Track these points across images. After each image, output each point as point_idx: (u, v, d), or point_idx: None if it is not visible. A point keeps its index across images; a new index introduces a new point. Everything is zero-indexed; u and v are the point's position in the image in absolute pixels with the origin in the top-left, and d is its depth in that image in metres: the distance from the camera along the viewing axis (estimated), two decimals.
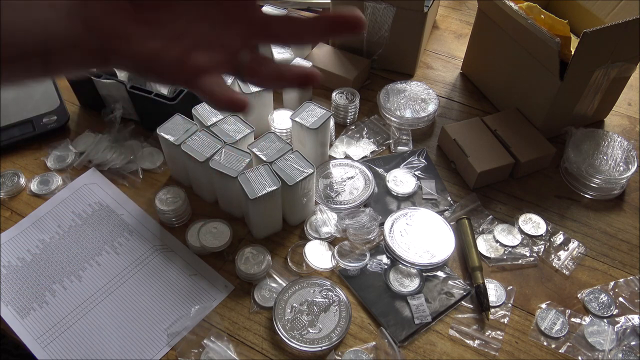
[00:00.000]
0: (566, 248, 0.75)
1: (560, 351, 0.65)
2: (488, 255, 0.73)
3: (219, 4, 0.35)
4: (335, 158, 0.85)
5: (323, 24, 0.35)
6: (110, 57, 0.34)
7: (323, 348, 0.64)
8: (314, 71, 0.36)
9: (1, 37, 0.31)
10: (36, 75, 0.35)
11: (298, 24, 0.36)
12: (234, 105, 0.34)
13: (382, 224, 0.76)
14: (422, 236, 0.74)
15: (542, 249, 0.74)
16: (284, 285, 0.70)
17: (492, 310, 0.68)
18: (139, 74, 0.36)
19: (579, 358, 0.64)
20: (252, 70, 0.37)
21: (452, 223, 0.76)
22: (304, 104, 0.79)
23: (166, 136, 0.75)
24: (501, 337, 0.66)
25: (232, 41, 0.36)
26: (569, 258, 0.74)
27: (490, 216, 0.78)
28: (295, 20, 0.36)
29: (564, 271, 0.72)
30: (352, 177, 0.81)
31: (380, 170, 0.83)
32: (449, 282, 0.70)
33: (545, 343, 0.66)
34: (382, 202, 0.80)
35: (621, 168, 0.80)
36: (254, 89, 0.81)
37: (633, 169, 0.80)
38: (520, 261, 0.73)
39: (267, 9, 0.96)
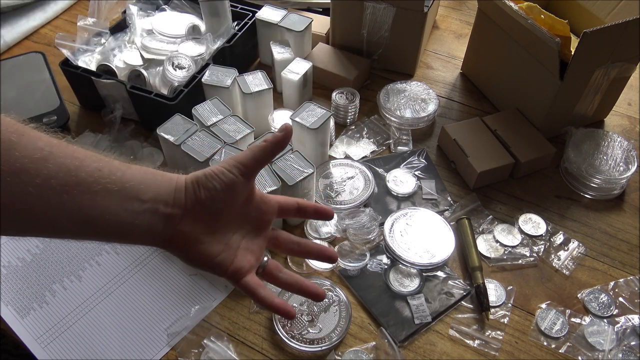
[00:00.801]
0: (566, 248, 0.75)
1: (560, 351, 0.65)
2: (488, 255, 0.73)
3: (250, 224, 0.51)
4: (335, 158, 0.85)
5: (311, 251, 0.55)
6: (175, 251, 0.48)
7: (323, 348, 0.64)
8: (332, 253, 0.56)
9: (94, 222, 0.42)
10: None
11: (298, 243, 0.55)
12: (284, 314, 0.50)
13: (382, 224, 0.76)
14: (422, 236, 0.74)
15: (542, 249, 0.74)
16: None
17: (492, 310, 0.68)
18: (196, 267, 0.49)
19: (579, 358, 0.64)
20: (269, 273, 0.53)
21: (452, 223, 0.76)
22: (304, 104, 0.79)
23: (166, 136, 0.75)
24: (501, 337, 0.66)
25: (258, 248, 0.52)
26: (569, 258, 0.74)
27: (490, 216, 0.78)
28: (293, 239, 0.55)
29: (564, 271, 0.72)
30: (352, 177, 0.82)
31: (380, 170, 0.83)
32: (449, 282, 0.70)
33: (545, 343, 0.66)
34: (382, 202, 0.80)
35: (621, 168, 0.80)
36: (254, 89, 0.81)
37: (633, 169, 0.80)
38: (520, 261, 0.73)
39: (265, 9, 0.96)
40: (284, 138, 0.50)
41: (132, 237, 0.45)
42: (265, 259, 0.53)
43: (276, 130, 0.83)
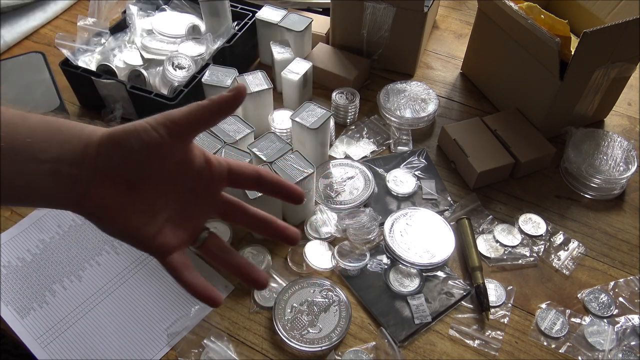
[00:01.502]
0: (566, 248, 0.75)
1: (560, 351, 0.65)
2: (488, 255, 0.73)
3: (187, 193, 0.42)
4: (335, 158, 0.85)
5: (267, 227, 0.45)
6: (87, 218, 0.40)
7: (323, 348, 0.64)
8: (293, 233, 0.44)
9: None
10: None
11: (250, 215, 0.45)
12: (208, 300, 0.41)
13: (382, 224, 0.76)
14: (422, 236, 0.74)
15: (542, 249, 0.74)
16: (284, 285, 0.70)
17: (492, 310, 0.68)
18: (115, 237, 0.41)
19: (579, 358, 0.64)
20: (208, 250, 0.45)
21: (452, 223, 0.76)
22: (304, 104, 0.79)
23: None
24: (501, 337, 0.66)
25: (196, 222, 0.43)
26: (569, 258, 0.74)
27: (490, 216, 0.78)
28: (247, 211, 0.45)
29: (564, 271, 0.72)
30: (352, 177, 0.81)
31: (380, 170, 0.83)
32: (449, 282, 0.70)
33: (545, 343, 0.66)
34: (382, 202, 0.80)
35: (621, 168, 0.80)
36: (254, 89, 0.81)
37: (633, 169, 0.80)
38: (520, 261, 0.73)
39: (265, 9, 0.96)
40: (233, 99, 0.40)
41: (32, 201, 0.39)
42: (206, 234, 0.44)
43: (276, 129, 0.84)
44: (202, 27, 0.98)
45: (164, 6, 1.01)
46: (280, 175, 0.44)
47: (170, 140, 0.39)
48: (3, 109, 0.37)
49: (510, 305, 0.69)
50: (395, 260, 0.73)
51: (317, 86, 0.96)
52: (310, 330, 0.65)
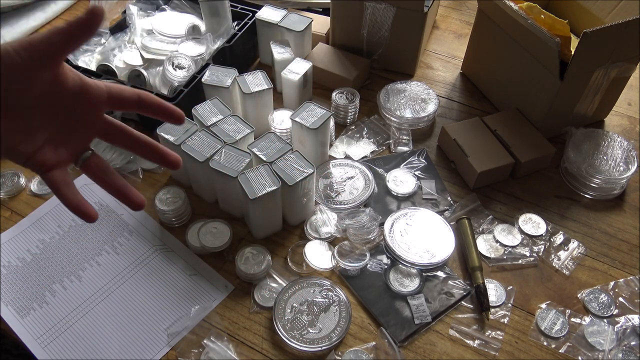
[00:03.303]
0: (566, 248, 0.75)
1: (560, 351, 0.65)
2: (488, 255, 0.73)
3: (67, 115, 0.44)
4: (335, 158, 0.85)
5: (148, 150, 0.48)
6: None
7: (323, 348, 0.64)
8: (174, 158, 0.48)
9: None
10: None
11: (133, 138, 0.48)
12: (82, 214, 0.44)
13: (382, 224, 0.76)
14: (422, 236, 0.74)
15: (542, 249, 0.74)
16: (284, 285, 0.70)
17: (492, 310, 0.68)
18: None
19: (579, 358, 0.64)
20: (90, 169, 0.47)
21: (452, 223, 0.76)
22: (304, 104, 0.79)
23: (166, 136, 0.75)
24: (501, 337, 0.66)
25: (77, 142, 0.46)
26: (569, 258, 0.74)
27: (490, 216, 0.78)
28: (130, 134, 0.48)
29: (564, 271, 0.72)
30: (352, 177, 0.81)
31: (380, 170, 0.83)
32: (449, 282, 0.70)
33: (545, 343, 0.66)
34: (382, 202, 0.80)
35: (621, 168, 0.80)
36: (254, 89, 0.81)
37: (633, 169, 0.80)
38: (520, 261, 0.73)
39: (265, 9, 0.96)
40: (88, 20, 0.41)
41: None
42: (88, 154, 0.47)
43: (276, 129, 0.84)
44: (202, 27, 0.98)
45: (164, 6, 1.01)
46: (162, 101, 0.48)
47: (33, 63, 0.40)
48: None
49: (510, 305, 0.69)
50: (395, 260, 0.73)
51: (317, 86, 0.96)
52: (310, 330, 0.65)
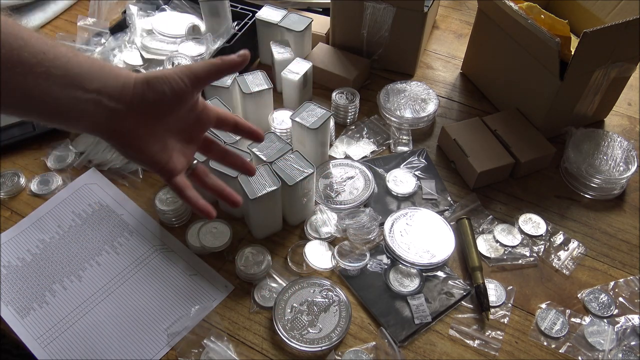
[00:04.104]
0: (566, 248, 0.75)
1: (560, 351, 0.65)
2: (488, 255, 0.73)
3: (188, 130, 0.53)
4: (335, 158, 0.85)
5: (235, 160, 0.58)
6: (115, 145, 0.50)
7: (323, 348, 0.64)
8: (250, 167, 0.59)
9: (32, 104, 0.44)
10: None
11: (222, 149, 0.58)
12: (205, 213, 0.52)
13: (382, 224, 0.76)
14: (422, 236, 0.74)
15: (542, 249, 0.74)
16: (284, 285, 0.70)
17: (492, 310, 0.68)
18: (138, 164, 0.53)
19: (579, 358, 0.64)
20: (197, 175, 0.56)
21: (452, 223, 0.76)
22: (304, 104, 0.79)
23: None
24: (501, 337, 0.66)
25: (191, 152, 0.55)
26: (569, 258, 0.74)
27: (490, 216, 0.78)
28: (221, 147, 0.58)
29: (564, 271, 0.72)
30: (352, 177, 0.81)
31: (380, 170, 0.83)
32: (449, 282, 0.70)
33: (545, 343, 0.66)
34: (382, 202, 0.80)
35: (621, 168, 0.80)
36: (254, 89, 0.81)
37: (633, 169, 0.80)
38: (520, 261, 0.73)
39: (265, 9, 0.96)
40: (239, 63, 0.51)
41: (74, 123, 0.47)
42: (195, 161, 0.55)
43: (276, 129, 0.84)
44: (202, 27, 0.98)
45: (164, 6, 1.01)
46: (252, 125, 0.57)
47: (191, 89, 0.49)
48: (58, 44, 0.45)
49: (510, 305, 0.69)
50: (395, 260, 0.73)
51: (317, 86, 0.96)
52: (310, 330, 0.65)
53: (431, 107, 0.90)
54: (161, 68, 0.88)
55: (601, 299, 0.69)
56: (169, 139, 0.51)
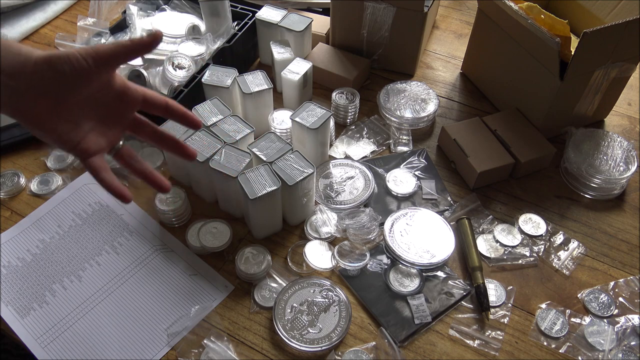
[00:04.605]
0: (566, 248, 0.75)
1: (560, 351, 0.65)
2: (488, 255, 0.73)
3: (108, 111, 0.52)
4: (335, 158, 0.85)
5: (169, 142, 0.57)
6: (21, 122, 0.49)
7: (323, 348, 0.64)
8: (186, 148, 0.57)
9: None
10: None
11: (157, 133, 0.56)
12: (118, 195, 0.51)
13: (382, 224, 0.76)
14: (422, 236, 0.74)
15: (542, 249, 0.74)
16: (284, 285, 0.70)
17: (492, 310, 0.68)
18: (45, 142, 0.51)
19: (579, 358, 0.64)
20: (121, 157, 0.55)
21: (452, 223, 0.76)
22: (304, 104, 0.79)
23: None
24: (501, 337, 0.66)
25: (113, 134, 0.54)
26: (569, 258, 0.74)
27: (490, 216, 0.78)
28: (155, 129, 0.56)
29: (564, 271, 0.72)
30: (352, 177, 0.81)
31: (380, 170, 0.83)
32: (449, 282, 0.70)
33: (545, 343, 0.66)
34: (382, 202, 0.80)
35: (621, 168, 0.80)
36: (254, 89, 0.81)
37: (633, 169, 0.80)
38: (520, 261, 0.73)
39: (265, 9, 0.96)
40: (149, 43, 0.50)
41: None
42: (120, 145, 0.54)
43: (276, 129, 0.84)
44: (202, 27, 0.98)
45: (164, 6, 1.01)
46: (186, 109, 0.56)
47: (95, 69, 0.48)
48: None
49: (510, 305, 0.69)
50: (395, 260, 0.73)
51: (317, 86, 0.96)
52: (310, 330, 0.65)
53: (431, 107, 0.90)
54: (161, 68, 0.88)
55: (601, 299, 0.69)
56: (82, 120, 0.51)
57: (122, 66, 0.90)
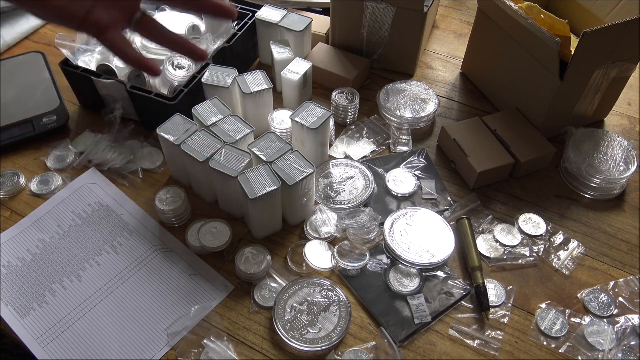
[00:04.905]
0: (566, 248, 0.75)
1: (560, 351, 0.65)
2: (488, 255, 0.73)
3: None
4: (335, 158, 0.85)
5: (177, 42, 0.51)
6: (25, 7, 0.45)
7: (323, 348, 0.64)
8: (198, 50, 0.51)
9: None
10: None
11: (165, 31, 0.50)
12: (146, 68, 0.47)
13: (382, 224, 0.76)
14: (422, 236, 0.74)
15: (542, 249, 0.74)
16: (284, 285, 0.70)
17: (492, 310, 0.68)
18: (50, 22, 0.46)
19: (579, 358, 0.64)
20: (144, 29, 0.48)
21: (452, 223, 0.76)
22: (304, 104, 0.79)
23: (166, 136, 0.75)
24: (501, 337, 0.66)
25: (126, 3, 0.47)
26: (569, 258, 0.74)
27: (490, 216, 0.78)
28: (163, 28, 0.50)
29: (564, 271, 0.72)
30: (352, 177, 0.81)
31: (380, 170, 0.83)
32: (449, 282, 0.70)
33: (545, 343, 0.66)
34: (382, 202, 0.80)
35: (621, 168, 0.80)
36: (254, 89, 0.81)
37: (633, 169, 0.80)
38: (520, 261, 0.73)
39: (265, 9, 0.96)
40: None
41: None
42: (139, 15, 0.48)
43: (276, 129, 0.84)
44: (202, 27, 0.98)
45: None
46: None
47: None
48: None
49: (510, 305, 0.69)
50: (395, 260, 0.73)
51: (317, 86, 0.96)
52: (310, 330, 0.65)
53: (431, 107, 0.90)
54: (161, 68, 0.88)
55: (601, 299, 0.69)
56: None
57: (121, 66, 0.90)
